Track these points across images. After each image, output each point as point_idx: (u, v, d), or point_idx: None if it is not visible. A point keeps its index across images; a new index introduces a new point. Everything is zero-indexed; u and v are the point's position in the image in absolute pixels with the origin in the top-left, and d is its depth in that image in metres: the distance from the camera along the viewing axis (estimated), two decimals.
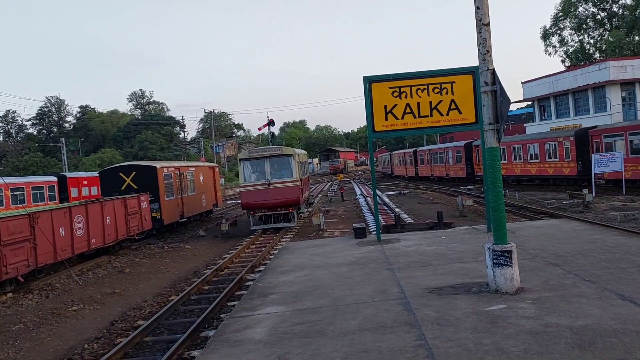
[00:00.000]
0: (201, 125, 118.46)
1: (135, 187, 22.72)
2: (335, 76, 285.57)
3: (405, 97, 12.55)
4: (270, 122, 78.64)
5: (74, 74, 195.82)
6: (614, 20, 58.08)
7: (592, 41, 59.39)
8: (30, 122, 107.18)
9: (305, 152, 32.18)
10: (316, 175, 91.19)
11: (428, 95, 12.48)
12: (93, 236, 17.32)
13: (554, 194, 27.39)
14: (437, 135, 77.25)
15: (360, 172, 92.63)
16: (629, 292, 6.82)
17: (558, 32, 60.47)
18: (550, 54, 62.85)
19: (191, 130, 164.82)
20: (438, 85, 12.50)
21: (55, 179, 35.10)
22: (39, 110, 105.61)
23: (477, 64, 7.93)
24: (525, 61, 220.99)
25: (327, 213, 27.45)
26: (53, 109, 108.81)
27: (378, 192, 34.47)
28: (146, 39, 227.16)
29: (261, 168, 22.40)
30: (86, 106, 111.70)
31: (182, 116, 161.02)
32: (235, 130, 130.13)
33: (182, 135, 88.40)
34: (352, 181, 63.58)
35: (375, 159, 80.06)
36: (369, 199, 31.60)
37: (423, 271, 9.18)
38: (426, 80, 12.53)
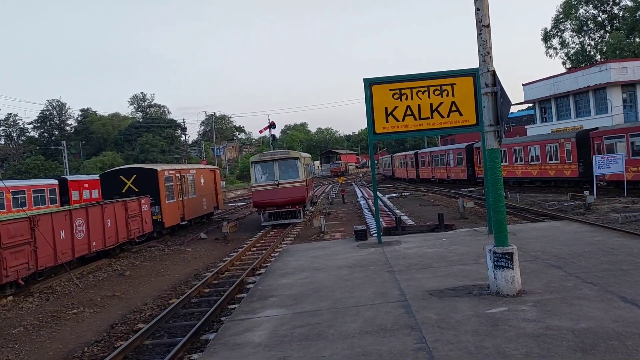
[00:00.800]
0: (202, 128, 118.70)
1: (136, 190, 22.70)
2: (336, 78, 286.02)
3: (406, 99, 12.53)
4: (271, 125, 78.66)
5: (75, 77, 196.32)
6: (615, 22, 58.05)
7: (592, 43, 59.36)
8: (31, 126, 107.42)
9: (310, 156, 34.40)
10: (317, 178, 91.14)
11: (429, 97, 12.47)
12: (93, 239, 17.30)
13: (555, 196, 27.34)
14: (438, 137, 77.22)
15: (361, 175, 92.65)
16: (631, 294, 6.78)
17: (559, 34, 60.45)
18: (551, 55, 62.85)
19: (192, 133, 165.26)
20: (439, 87, 12.48)
21: (56, 182, 35.08)
22: (40, 113, 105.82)
23: (477, 65, 7.92)
24: (526, 63, 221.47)
25: (328, 215, 27.41)
26: (54, 112, 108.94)
27: (379, 194, 34.49)
28: (147, 42, 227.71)
29: (271, 170, 24.70)
30: (87, 109, 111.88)
31: (183, 119, 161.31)
32: (237, 132, 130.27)
33: (183, 138, 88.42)
34: (353, 183, 63.58)
35: (376, 162, 79.94)
36: (370, 201, 31.58)
37: (424, 273, 9.15)
38: (427, 82, 12.52)
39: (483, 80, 7.71)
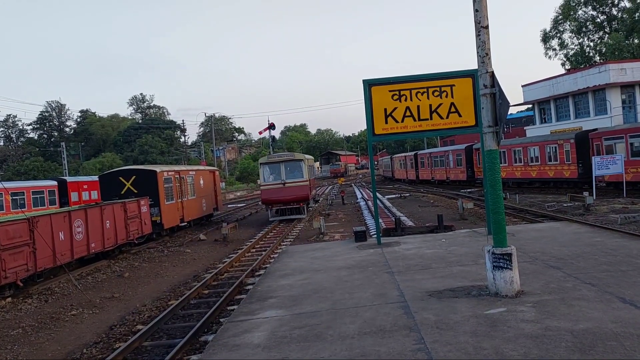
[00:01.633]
0: (202, 129, 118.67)
1: (135, 191, 22.69)
2: (335, 80, 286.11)
3: (405, 100, 12.55)
4: (271, 126, 78.76)
5: (74, 79, 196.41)
6: (614, 23, 58.09)
7: (592, 44, 59.40)
8: (31, 127, 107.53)
9: (312, 157, 38.23)
10: (317, 179, 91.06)
11: (428, 98, 12.49)
12: (92, 240, 17.28)
13: (555, 197, 27.35)
14: (437, 138, 77.26)
15: (361, 176, 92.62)
16: (629, 295, 6.79)
17: (558, 35, 60.48)
18: (550, 57, 62.93)
19: (192, 134, 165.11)
20: (438, 88, 12.50)
21: (55, 183, 35.06)
22: (39, 114, 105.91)
23: (476, 67, 7.93)
24: (525, 64, 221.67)
25: (328, 217, 27.43)
26: (54, 113, 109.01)
27: (379, 195, 34.51)
28: (147, 43, 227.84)
29: (277, 170, 27.17)
30: (87, 110, 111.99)
31: (183, 120, 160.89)
32: (236, 134, 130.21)
33: (182, 139, 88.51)
34: (353, 184, 63.59)
35: (375, 163, 79.64)
36: (369, 203, 31.58)
37: (423, 274, 9.15)
38: (426, 83, 12.54)
39: (482, 82, 7.72)
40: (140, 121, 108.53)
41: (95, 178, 33.43)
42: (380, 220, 18.74)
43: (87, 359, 8.99)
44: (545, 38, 60.86)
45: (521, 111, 76.44)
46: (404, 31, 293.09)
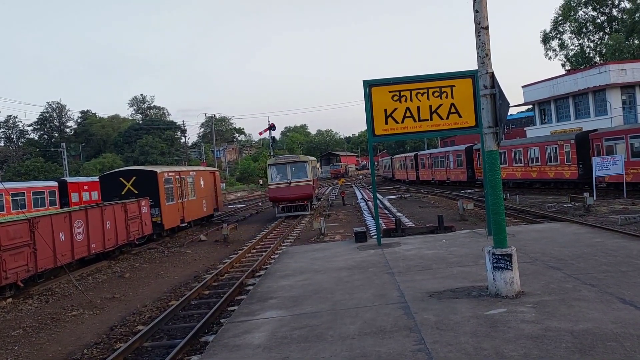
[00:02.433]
0: (202, 129, 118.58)
1: (136, 192, 22.70)
2: (336, 80, 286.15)
3: (405, 100, 12.56)
4: (271, 127, 78.81)
5: (75, 79, 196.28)
6: (614, 23, 58.10)
7: (592, 45, 59.39)
8: (31, 128, 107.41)
9: (315, 159, 41.73)
10: (318, 179, 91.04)
11: (428, 99, 12.49)
12: (93, 241, 17.30)
13: (555, 198, 27.35)
14: (437, 139, 77.26)
15: (361, 177, 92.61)
16: (629, 296, 6.79)
17: (558, 36, 60.47)
18: (550, 57, 62.87)
19: (192, 135, 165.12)
20: (438, 89, 12.51)
21: (55, 184, 35.08)
22: (40, 115, 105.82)
23: (477, 67, 7.94)
24: (525, 65, 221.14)
25: (328, 217, 27.45)
26: (54, 114, 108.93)
27: (379, 196, 34.56)
28: (147, 44, 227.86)
29: (284, 171, 29.61)
30: (87, 111, 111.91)
31: (183, 121, 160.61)
32: (236, 134, 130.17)
33: (183, 140, 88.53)
34: (353, 185, 63.56)
35: (376, 163, 79.48)
36: (369, 203, 31.60)
37: (423, 275, 9.16)
38: (426, 84, 12.54)
39: (482, 82, 7.73)
40: (140, 122, 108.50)
41: (96, 179, 33.43)
42: (381, 221, 18.75)
43: (87, 359, 9.00)
44: (546, 39, 60.87)
45: (521, 112, 76.44)
46: (404, 32, 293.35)
